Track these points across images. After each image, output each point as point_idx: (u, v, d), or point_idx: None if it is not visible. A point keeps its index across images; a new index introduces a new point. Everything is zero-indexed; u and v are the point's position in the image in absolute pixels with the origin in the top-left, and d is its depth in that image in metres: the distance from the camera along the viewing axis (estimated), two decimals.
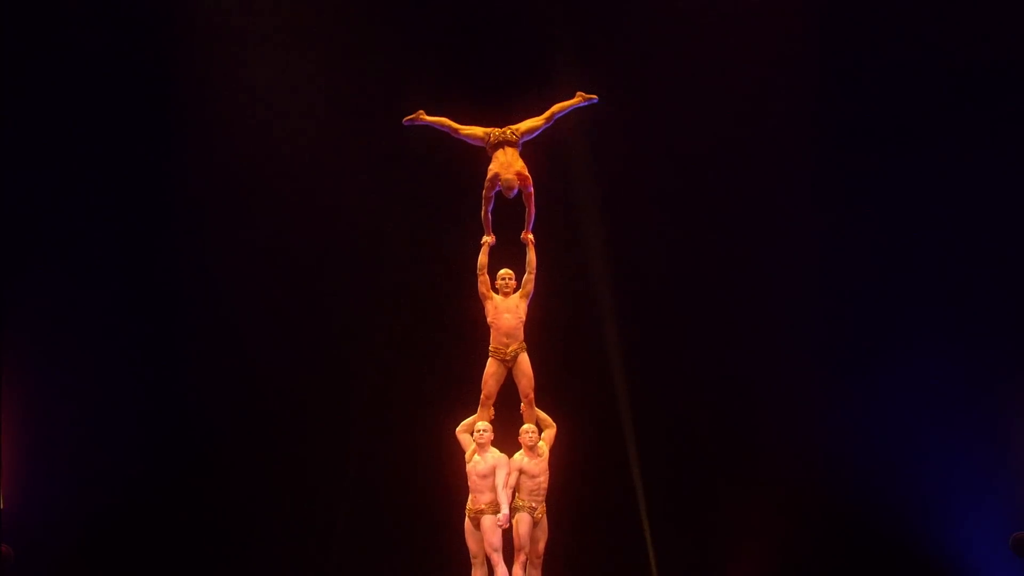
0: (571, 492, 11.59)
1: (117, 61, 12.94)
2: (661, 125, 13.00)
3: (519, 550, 10.39)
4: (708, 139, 12.90)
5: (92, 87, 12.93)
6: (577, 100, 10.65)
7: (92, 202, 12.97)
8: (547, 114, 10.61)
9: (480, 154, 10.62)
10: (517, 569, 10.36)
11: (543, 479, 10.47)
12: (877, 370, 12.76)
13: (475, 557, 10.47)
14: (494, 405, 10.58)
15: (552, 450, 10.58)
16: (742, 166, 12.91)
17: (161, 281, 13.09)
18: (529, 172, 10.45)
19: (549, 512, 10.56)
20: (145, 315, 13.03)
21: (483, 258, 10.59)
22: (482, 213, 10.52)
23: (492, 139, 10.45)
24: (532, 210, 10.57)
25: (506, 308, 10.57)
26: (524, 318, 10.59)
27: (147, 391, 12.98)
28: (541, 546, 10.53)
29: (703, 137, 12.90)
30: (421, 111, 10.61)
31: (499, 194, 10.49)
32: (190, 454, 13.00)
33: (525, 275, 10.62)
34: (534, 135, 10.52)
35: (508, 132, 10.48)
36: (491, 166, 10.45)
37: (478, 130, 10.54)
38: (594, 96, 10.62)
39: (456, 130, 10.56)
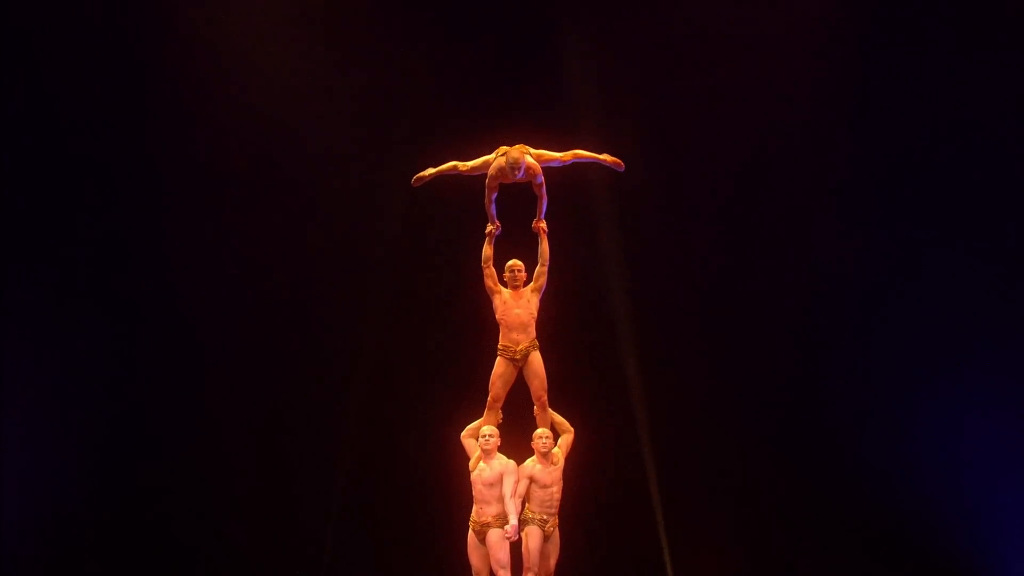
0: (585, 503, 11.32)
1: (107, 63, 12.99)
2: (681, 122, 12.94)
3: (528, 567, 9.97)
4: (735, 136, 12.86)
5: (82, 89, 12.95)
6: (603, 157, 10.43)
7: (76, 203, 12.98)
8: (567, 154, 10.37)
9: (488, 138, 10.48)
10: None
11: (556, 489, 10.10)
12: (910, 374, 12.61)
13: (479, 574, 10.11)
14: (502, 409, 10.25)
15: (566, 458, 10.25)
16: (771, 164, 12.84)
17: (153, 278, 13.04)
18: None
19: (561, 525, 10.18)
20: (138, 314, 13.02)
21: (488, 249, 10.28)
22: (486, 202, 10.22)
23: (500, 151, 10.14)
24: (544, 198, 10.28)
25: (516, 303, 10.25)
26: (536, 313, 10.26)
27: (138, 394, 12.99)
28: (552, 562, 10.12)
29: (729, 134, 12.86)
30: (428, 168, 10.31)
31: (504, 186, 10.23)
32: (179, 457, 12.88)
33: (537, 267, 10.31)
34: (543, 164, 10.19)
35: (520, 145, 10.15)
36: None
37: (485, 157, 10.25)
38: (621, 164, 10.44)
39: (463, 166, 10.29)
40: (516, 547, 10.00)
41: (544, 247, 10.23)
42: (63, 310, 12.85)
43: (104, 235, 12.96)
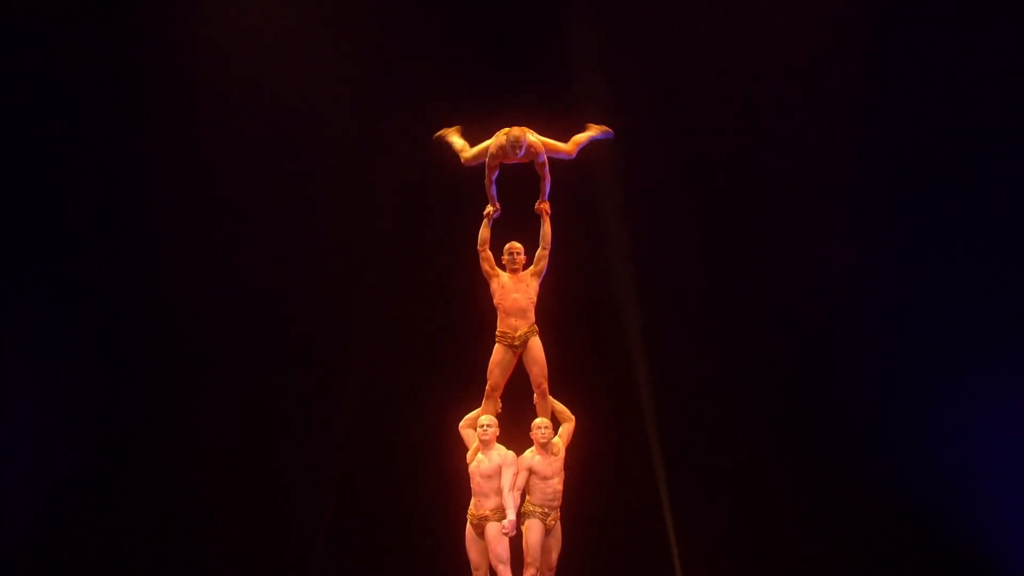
0: (588, 495, 11.14)
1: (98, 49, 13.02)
2: (688, 92, 12.87)
3: (529, 562, 9.83)
4: (746, 118, 12.79)
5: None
6: (592, 133, 10.36)
7: (69, 195, 13.02)
8: (571, 146, 10.23)
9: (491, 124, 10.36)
10: None
11: (557, 481, 9.93)
12: (927, 366, 12.54)
13: (477, 570, 9.95)
14: (501, 397, 10.10)
15: (568, 448, 10.09)
16: (786, 148, 12.76)
17: (140, 264, 13.03)
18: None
19: (563, 518, 10.04)
20: (124, 301, 13.00)
21: (484, 232, 10.14)
22: (485, 182, 10.05)
23: (501, 132, 9.94)
24: (547, 178, 10.08)
25: (515, 287, 10.09)
26: (535, 298, 10.11)
27: (123, 386, 12.96)
28: (554, 557, 9.99)
29: (740, 115, 12.81)
30: (457, 127, 10.32)
31: (505, 167, 10.08)
32: (162, 449, 12.85)
33: (538, 250, 10.14)
34: (551, 154, 10.07)
35: (524, 128, 9.96)
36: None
37: (485, 142, 10.08)
38: (609, 130, 10.39)
39: (466, 154, 10.15)
40: (516, 541, 9.85)
41: (546, 229, 10.04)
42: (58, 303, 12.86)
43: (95, 221, 12.94)
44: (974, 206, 12.44)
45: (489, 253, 10.09)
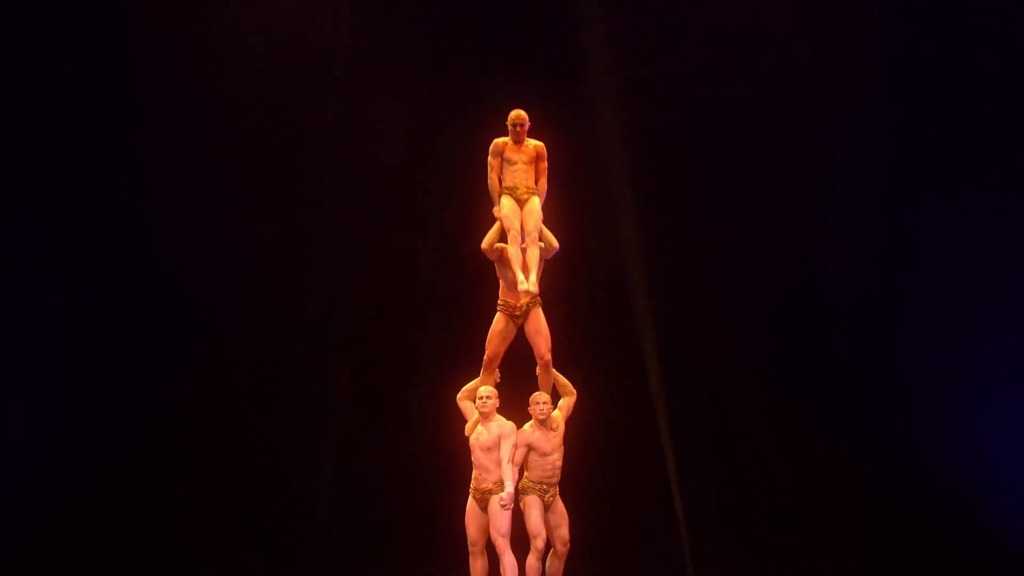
0: (593, 471, 11.20)
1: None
2: (697, 53, 12.72)
3: (534, 537, 9.80)
4: (759, 89, 12.63)
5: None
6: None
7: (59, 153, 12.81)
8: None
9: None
10: (532, 559, 9.77)
11: (556, 457, 9.83)
12: (944, 329, 12.47)
13: (474, 545, 9.87)
14: (501, 368, 10.00)
15: (570, 421, 9.97)
16: (807, 120, 12.63)
17: (129, 229, 12.88)
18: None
19: (568, 495, 9.97)
20: (110, 266, 12.86)
21: (493, 235, 10.00)
22: (489, 182, 9.96)
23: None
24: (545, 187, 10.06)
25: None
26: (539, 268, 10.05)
27: (111, 351, 12.82)
28: (564, 531, 9.95)
29: (753, 73, 12.64)
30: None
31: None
32: (151, 419, 12.71)
33: None
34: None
35: None
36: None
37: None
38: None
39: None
40: (518, 518, 9.79)
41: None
42: (55, 292, 12.74)
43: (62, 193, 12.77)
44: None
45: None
